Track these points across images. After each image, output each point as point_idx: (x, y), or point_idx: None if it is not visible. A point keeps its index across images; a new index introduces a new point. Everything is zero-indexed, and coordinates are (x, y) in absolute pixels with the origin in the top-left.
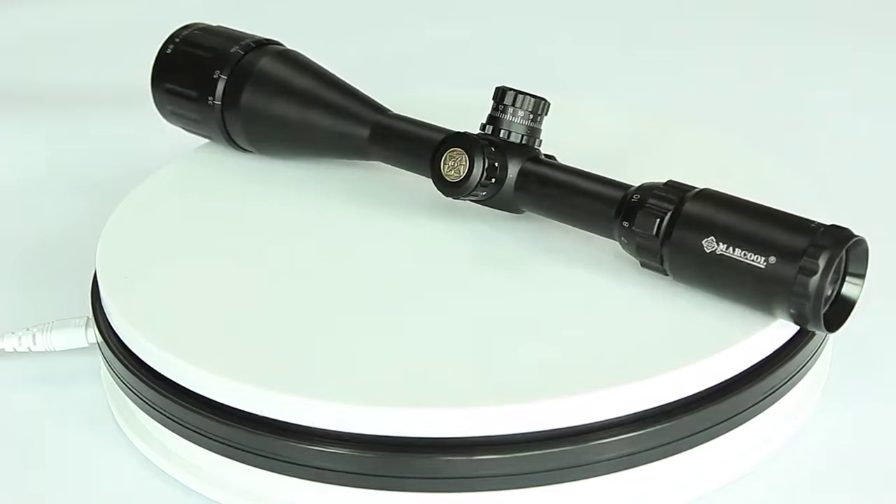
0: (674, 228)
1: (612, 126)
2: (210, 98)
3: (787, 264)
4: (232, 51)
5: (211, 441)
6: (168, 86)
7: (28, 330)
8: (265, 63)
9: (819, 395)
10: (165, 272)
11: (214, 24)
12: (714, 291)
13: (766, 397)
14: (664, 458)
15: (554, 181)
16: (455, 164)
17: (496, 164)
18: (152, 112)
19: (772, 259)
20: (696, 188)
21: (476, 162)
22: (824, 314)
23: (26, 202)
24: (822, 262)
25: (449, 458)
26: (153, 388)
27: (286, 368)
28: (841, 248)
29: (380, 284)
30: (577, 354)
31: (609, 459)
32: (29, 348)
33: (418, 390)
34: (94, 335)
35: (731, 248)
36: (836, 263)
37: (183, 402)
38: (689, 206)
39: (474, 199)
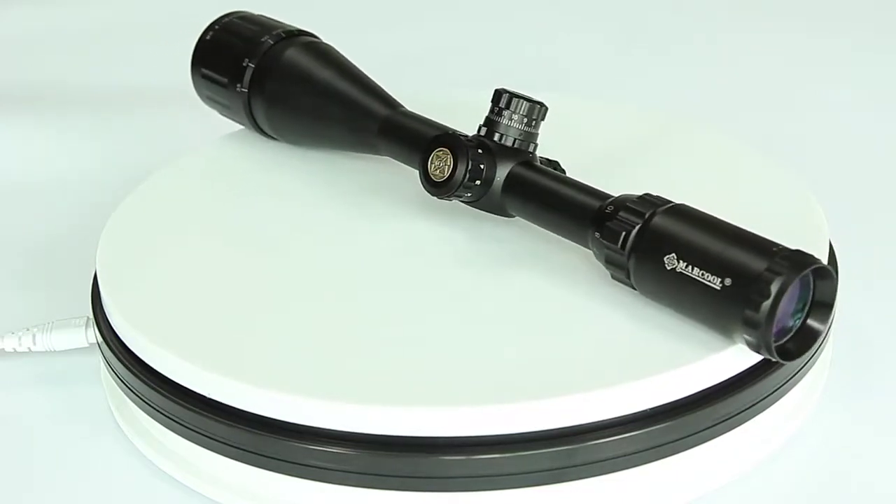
0: (639, 243)
1: (612, 126)
2: (238, 85)
3: (741, 287)
4: (262, 40)
5: (211, 441)
6: (204, 71)
7: (28, 330)
8: (290, 54)
9: (819, 395)
10: (166, 272)
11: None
12: (675, 309)
13: (766, 397)
14: (664, 458)
15: (537, 186)
16: (440, 164)
17: (481, 166)
18: (154, 112)
19: (727, 281)
20: (670, 203)
21: (459, 163)
22: (785, 343)
23: (26, 202)
24: (774, 288)
25: (448, 457)
26: (153, 388)
27: (286, 368)
28: (796, 274)
29: (375, 284)
30: (576, 354)
31: (609, 459)
32: (29, 348)
33: (418, 390)
34: (94, 335)
35: (689, 267)
36: (790, 290)
37: (183, 402)
38: (656, 221)
39: (460, 199)
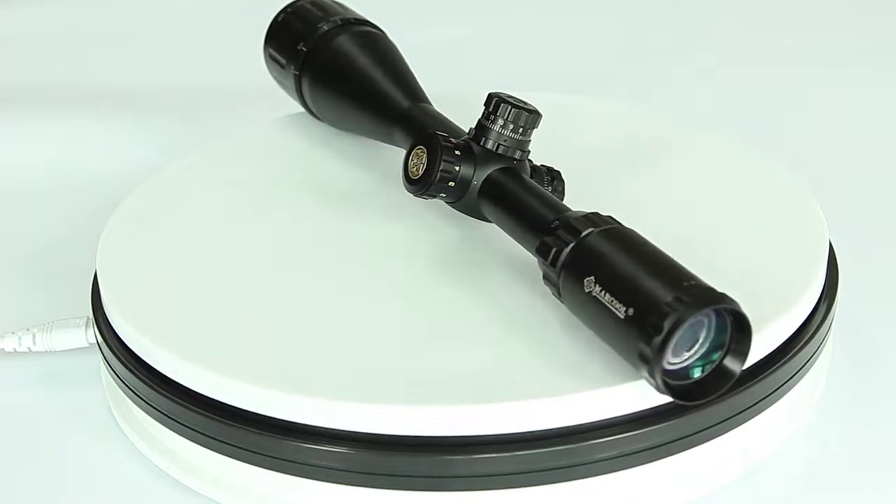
0: (568, 262)
1: (612, 126)
2: (292, 67)
3: (639, 319)
4: (318, 26)
5: (211, 441)
6: (271, 52)
7: (28, 330)
8: (339, 41)
9: (819, 395)
10: (165, 272)
11: None
12: (594, 331)
13: (766, 397)
14: (663, 458)
15: (506, 193)
16: (417, 162)
17: (457, 168)
18: (154, 112)
19: (630, 311)
20: (612, 225)
21: (432, 162)
22: (696, 383)
23: (27, 202)
24: (667, 324)
25: (448, 457)
26: (153, 388)
27: (286, 367)
28: (693, 312)
29: (375, 285)
30: (576, 354)
31: (608, 459)
32: (29, 348)
33: (418, 389)
34: (94, 335)
35: (603, 292)
36: (685, 328)
37: (183, 402)
38: (587, 242)
39: (434, 198)
